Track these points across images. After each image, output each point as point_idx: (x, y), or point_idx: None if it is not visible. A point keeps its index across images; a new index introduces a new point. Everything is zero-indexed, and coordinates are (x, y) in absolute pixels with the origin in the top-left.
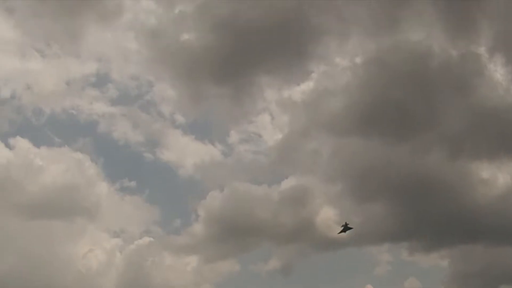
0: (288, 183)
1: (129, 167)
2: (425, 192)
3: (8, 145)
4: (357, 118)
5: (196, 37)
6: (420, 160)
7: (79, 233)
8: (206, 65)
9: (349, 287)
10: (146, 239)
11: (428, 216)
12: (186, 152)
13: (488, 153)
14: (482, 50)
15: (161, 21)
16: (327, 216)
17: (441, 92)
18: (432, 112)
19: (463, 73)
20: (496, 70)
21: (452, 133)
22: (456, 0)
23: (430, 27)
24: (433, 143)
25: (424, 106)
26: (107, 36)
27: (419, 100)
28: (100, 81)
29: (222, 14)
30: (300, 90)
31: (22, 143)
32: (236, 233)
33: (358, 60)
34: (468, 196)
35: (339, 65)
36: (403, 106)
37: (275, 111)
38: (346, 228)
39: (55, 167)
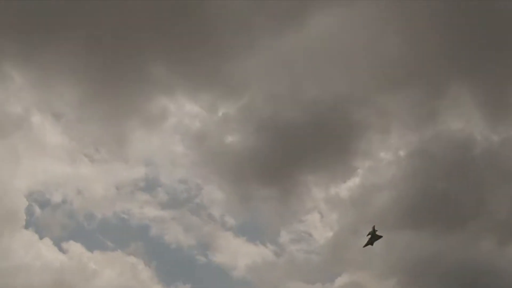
0: (341, 281)
1: (182, 270)
2: (479, 279)
3: (61, 249)
4: (406, 211)
5: (241, 139)
6: (472, 248)
7: None
8: (252, 166)
9: None
10: None
11: None
12: (238, 254)
13: None
14: None
15: (206, 124)
16: None
17: (486, 178)
18: (479, 198)
19: (506, 157)
20: None
21: (501, 219)
22: (492, 85)
23: (469, 115)
24: (483, 230)
25: (471, 194)
26: (154, 140)
27: (465, 188)
28: (149, 185)
29: (264, 115)
30: (347, 187)
31: (75, 247)
32: None
33: (401, 153)
34: None
35: (383, 160)
36: (450, 195)
37: (323, 209)
38: (374, 236)
39: (109, 271)
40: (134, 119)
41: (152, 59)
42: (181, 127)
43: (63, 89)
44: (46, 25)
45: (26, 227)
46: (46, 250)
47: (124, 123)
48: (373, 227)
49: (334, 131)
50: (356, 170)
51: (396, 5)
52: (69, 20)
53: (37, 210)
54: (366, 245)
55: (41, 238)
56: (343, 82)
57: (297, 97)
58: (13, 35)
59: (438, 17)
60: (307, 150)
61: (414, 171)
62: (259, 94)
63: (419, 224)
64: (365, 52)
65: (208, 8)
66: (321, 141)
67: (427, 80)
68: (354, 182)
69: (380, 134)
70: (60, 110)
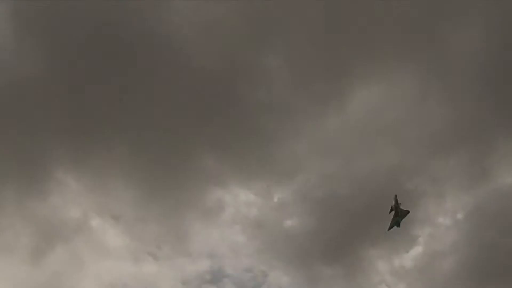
0: None
1: None
2: None
3: None
4: (472, 272)
5: (299, 221)
6: None
7: None
8: (314, 247)
9: None
10: None
11: None
12: None
13: None
14: None
15: (263, 211)
16: None
17: None
18: None
19: None
20: None
21: None
22: None
23: None
24: None
25: None
26: (214, 232)
27: None
28: (215, 277)
29: (319, 195)
30: (410, 257)
31: None
32: None
33: (459, 216)
34: None
35: (442, 225)
36: None
37: (390, 281)
38: (398, 213)
39: None
40: (192, 213)
41: (202, 152)
42: (239, 216)
43: (119, 190)
44: (95, 129)
45: None
46: None
47: (183, 218)
48: (395, 198)
49: (389, 203)
50: (417, 239)
51: (432, 70)
52: (118, 122)
53: None
54: (391, 227)
55: None
56: (391, 154)
57: (348, 173)
58: (63, 142)
59: (478, 73)
60: (365, 224)
61: (475, 232)
62: (311, 176)
63: (487, 284)
64: (409, 121)
65: (251, 97)
66: (378, 214)
67: (474, 139)
68: (417, 250)
69: (435, 200)
70: (118, 211)
